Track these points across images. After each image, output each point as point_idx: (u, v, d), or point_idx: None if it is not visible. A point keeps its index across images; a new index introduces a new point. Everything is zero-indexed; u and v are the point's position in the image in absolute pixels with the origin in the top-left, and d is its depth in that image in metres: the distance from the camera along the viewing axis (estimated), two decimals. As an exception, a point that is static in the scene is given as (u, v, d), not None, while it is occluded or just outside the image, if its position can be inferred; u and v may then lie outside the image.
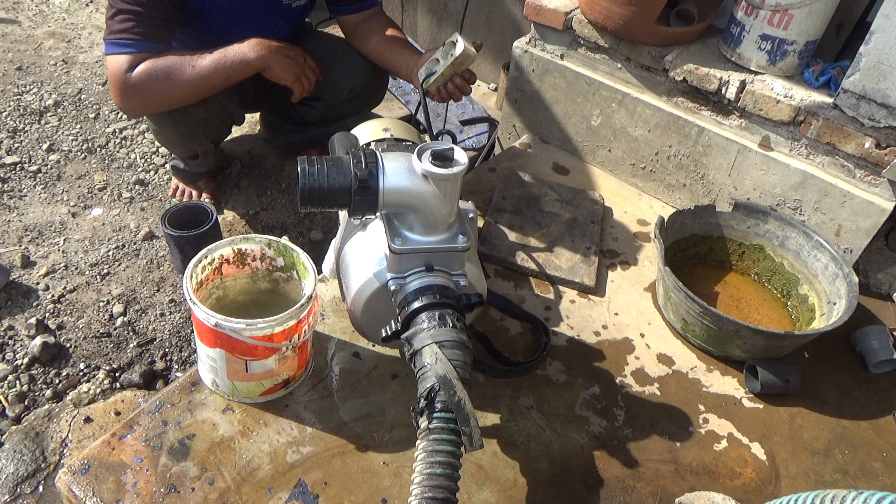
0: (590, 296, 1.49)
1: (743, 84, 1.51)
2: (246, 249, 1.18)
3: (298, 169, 0.97)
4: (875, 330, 1.42)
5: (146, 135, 2.15)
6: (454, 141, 1.56)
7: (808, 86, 1.51)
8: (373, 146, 1.36)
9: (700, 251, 1.57)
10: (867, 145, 1.40)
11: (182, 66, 1.43)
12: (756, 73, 1.54)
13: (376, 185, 0.99)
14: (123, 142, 2.11)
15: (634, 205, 1.78)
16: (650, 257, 1.62)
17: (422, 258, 1.07)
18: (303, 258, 1.15)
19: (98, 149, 2.07)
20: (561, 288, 1.49)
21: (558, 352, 1.35)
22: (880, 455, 1.26)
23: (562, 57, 1.80)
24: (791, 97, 1.47)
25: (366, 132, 1.37)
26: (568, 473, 1.15)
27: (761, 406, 1.31)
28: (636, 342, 1.40)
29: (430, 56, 1.49)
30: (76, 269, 1.66)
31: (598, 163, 1.87)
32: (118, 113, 2.24)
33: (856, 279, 1.35)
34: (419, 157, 1.01)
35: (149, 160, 2.05)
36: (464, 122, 2.17)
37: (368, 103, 1.89)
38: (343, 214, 1.33)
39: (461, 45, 1.40)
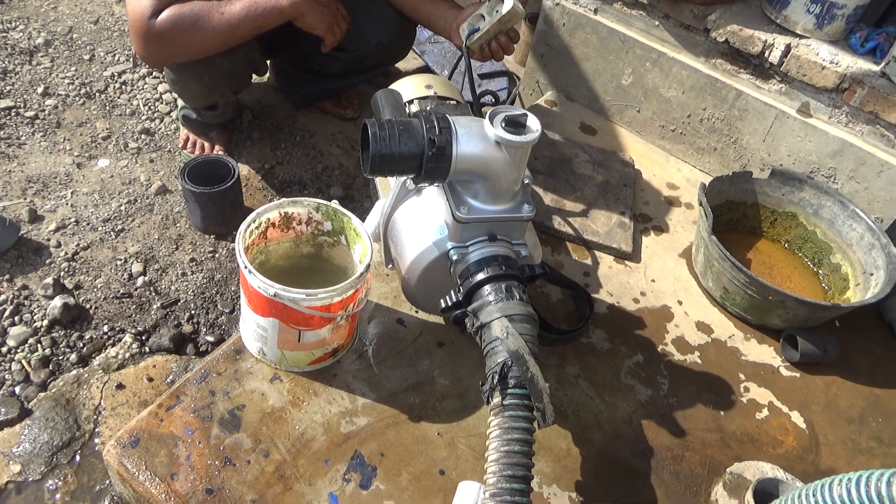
0: (626, 262, 1.47)
1: (788, 48, 1.48)
2: (292, 213, 1.13)
3: (370, 133, 0.91)
4: (905, 300, 1.44)
5: (147, 80, 2.03)
6: (496, 101, 1.50)
7: (854, 52, 1.48)
8: (416, 104, 1.30)
9: (733, 217, 1.56)
10: (913, 116, 1.39)
11: (210, 13, 1.33)
12: (801, 36, 1.50)
13: (450, 151, 0.94)
14: (123, 87, 1.99)
15: (662, 167, 1.76)
16: (682, 222, 1.60)
17: (485, 227, 1.03)
18: (355, 223, 1.10)
19: (97, 94, 1.95)
20: (597, 253, 1.47)
21: (600, 319, 1.34)
22: (912, 423, 1.29)
23: (595, 12, 1.73)
24: (837, 63, 1.45)
25: (408, 89, 1.31)
26: (619, 443, 1.15)
27: (798, 375, 1.33)
28: (674, 310, 1.40)
29: (474, 12, 1.41)
30: (88, 224, 1.58)
31: (626, 123, 1.83)
32: (114, 55, 2.11)
33: (894, 250, 1.35)
34: (491, 122, 0.96)
35: (153, 107, 1.95)
36: (482, 76, 2.08)
37: (394, 57, 1.80)
38: (388, 179, 1.28)
39: (510, 1, 1.32)
